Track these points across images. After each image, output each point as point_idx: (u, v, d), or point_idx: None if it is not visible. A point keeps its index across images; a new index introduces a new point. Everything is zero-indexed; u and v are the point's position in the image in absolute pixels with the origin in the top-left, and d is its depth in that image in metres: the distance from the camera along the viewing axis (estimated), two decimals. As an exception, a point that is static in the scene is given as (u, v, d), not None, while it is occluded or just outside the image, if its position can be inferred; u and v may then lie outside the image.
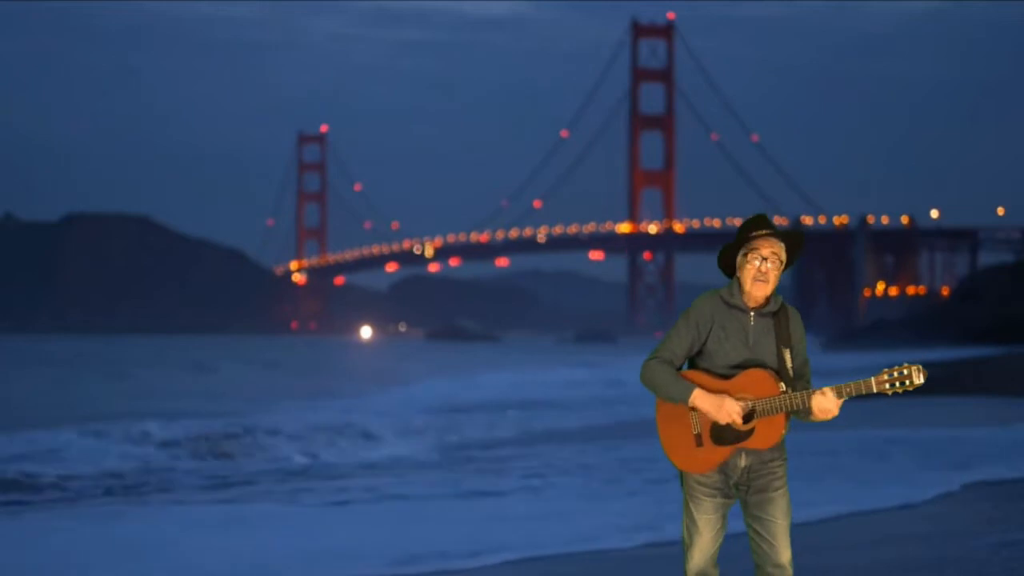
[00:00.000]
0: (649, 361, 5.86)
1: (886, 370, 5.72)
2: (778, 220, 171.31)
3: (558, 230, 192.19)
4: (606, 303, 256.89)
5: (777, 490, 5.86)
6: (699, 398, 5.77)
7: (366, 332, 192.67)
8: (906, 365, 5.69)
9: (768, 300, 5.86)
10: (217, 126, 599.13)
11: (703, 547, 5.89)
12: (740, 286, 5.87)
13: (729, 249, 5.91)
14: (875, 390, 5.74)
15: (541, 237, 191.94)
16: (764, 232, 5.84)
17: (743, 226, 5.88)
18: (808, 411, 5.78)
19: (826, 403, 5.73)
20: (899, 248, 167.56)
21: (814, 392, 5.75)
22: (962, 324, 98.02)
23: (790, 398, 5.76)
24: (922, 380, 5.68)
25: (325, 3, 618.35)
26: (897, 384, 5.68)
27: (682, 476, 5.95)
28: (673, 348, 5.85)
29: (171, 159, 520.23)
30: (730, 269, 5.92)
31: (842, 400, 5.75)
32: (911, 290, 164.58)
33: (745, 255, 5.85)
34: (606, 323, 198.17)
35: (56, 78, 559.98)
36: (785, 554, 5.86)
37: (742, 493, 5.88)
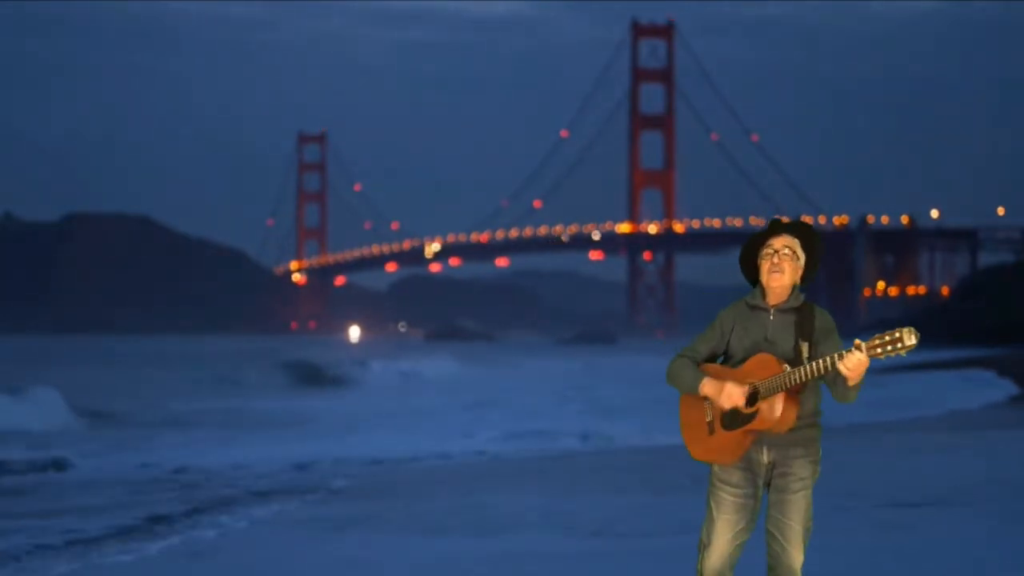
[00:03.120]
0: (673, 359, 5.97)
1: (877, 335, 5.62)
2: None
3: (558, 230, 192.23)
4: (606, 303, 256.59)
5: (796, 492, 5.84)
6: (706, 385, 5.85)
7: (355, 332, 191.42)
8: (898, 329, 5.57)
9: (789, 296, 5.91)
10: (217, 126, 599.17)
11: (720, 548, 5.86)
12: (761, 287, 5.95)
13: (748, 254, 5.99)
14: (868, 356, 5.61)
15: (562, 235, 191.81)
16: (775, 229, 5.94)
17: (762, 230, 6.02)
18: (839, 381, 5.71)
19: (855, 357, 5.60)
20: (899, 248, 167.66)
21: (842, 354, 5.62)
22: (963, 324, 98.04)
23: (790, 374, 5.73)
24: (914, 341, 5.54)
25: (325, 3, 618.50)
26: (889, 348, 5.56)
27: (709, 474, 5.95)
28: (697, 347, 5.96)
29: (171, 159, 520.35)
30: (753, 276, 6.01)
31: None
32: (911, 290, 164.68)
33: (762, 256, 5.94)
34: (606, 323, 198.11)
35: (56, 78, 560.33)
36: (797, 558, 5.84)
37: (768, 491, 5.89)
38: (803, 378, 5.73)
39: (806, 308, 5.90)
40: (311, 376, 49.64)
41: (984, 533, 10.68)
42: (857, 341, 5.66)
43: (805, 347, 5.84)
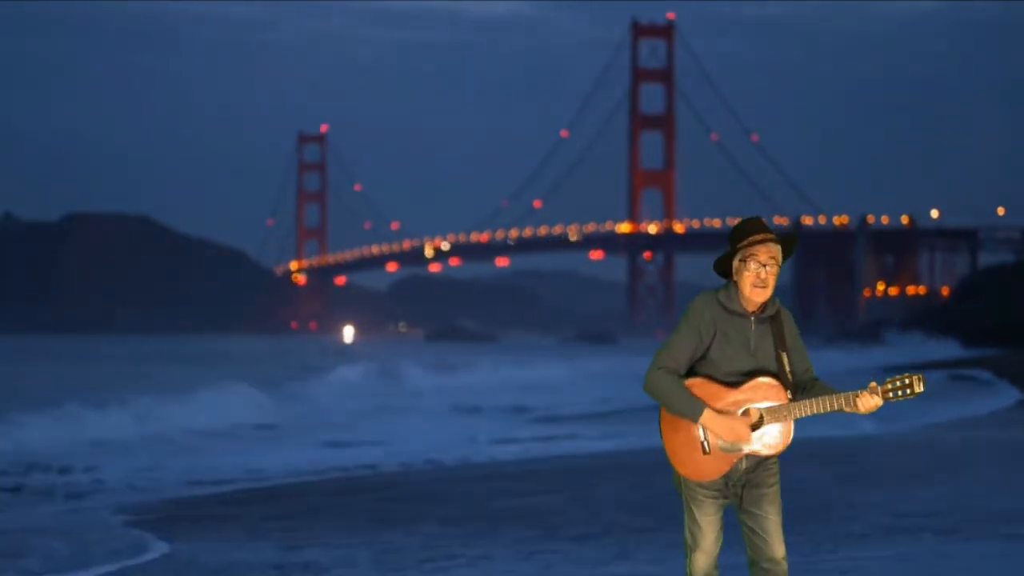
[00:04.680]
0: (654, 371, 5.84)
1: (889, 379, 5.83)
2: (778, 220, 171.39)
3: (558, 230, 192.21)
4: (606, 303, 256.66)
5: (771, 486, 5.91)
6: (709, 420, 5.79)
7: (349, 332, 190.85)
8: (908, 375, 5.80)
9: (766, 305, 5.87)
10: (217, 126, 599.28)
11: (707, 549, 5.93)
12: (738, 290, 5.85)
13: (727, 254, 5.91)
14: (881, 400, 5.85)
15: (573, 234, 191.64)
16: (762, 237, 5.84)
17: (740, 230, 5.87)
18: (843, 408, 5.84)
19: (873, 402, 5.82)
20: (899, 248, 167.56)
21: (860, 393, 5.81)
22: (963, 324, 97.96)
23: (799, 407, 5.82)
24: (922, 389, 5.80)
25: (325, 3, 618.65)
26: (899, 393, 5.80)
27: (681, 480, 5.95)
28: (676, 356, 5.84)
29: (171, 159, 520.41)
30: (726, 272, 5.91)
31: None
32: (911, 290, 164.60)
33: (743, 260, 5.84)
34: (606, 323, 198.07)
35: (56, 78, 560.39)
36: (779, 549, 5.91)
37: (737, 489, 5.91)
38: (811, 412, 5.83)
39: (778, 315, 5.90)
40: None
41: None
42: (873, 384, 5.82)
43: (785, 358, 5.87)
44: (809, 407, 5.80)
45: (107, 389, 33.17)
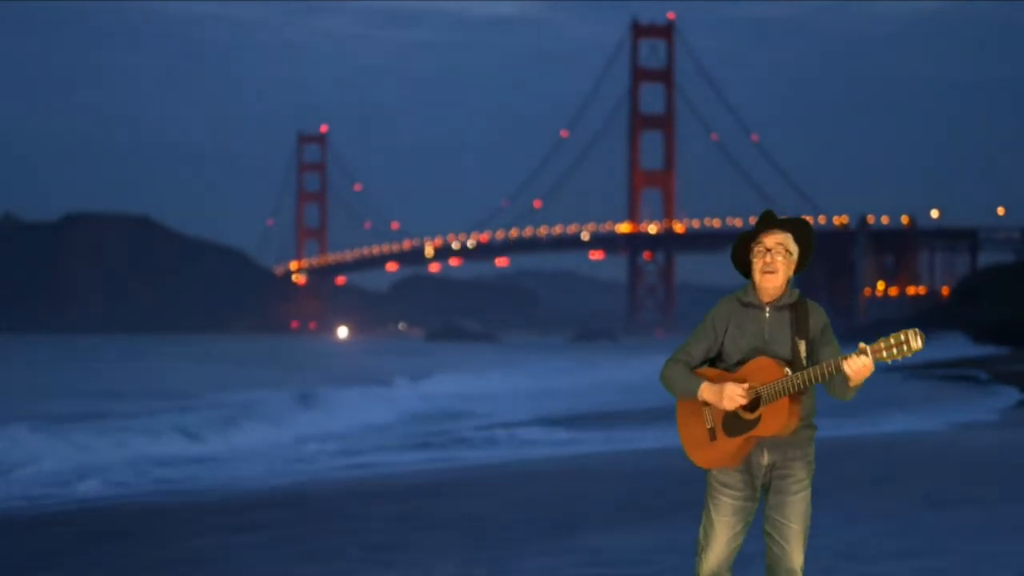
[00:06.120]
0: (667, 362, 5.94)
1: (883, 338, 5.64)
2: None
3: (558, 230, 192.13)
4: (606, 303, 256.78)
5: (795, 493, 5.86)
6: (705, 390, 5.81)
7: (343, 331, 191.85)
8: (903, 332, 5.59)
9: (783, 293, 5.89)
10: (217, 126, 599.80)
11: (717, 550, 5.89)
12: (753, 284, 5.92)
13: (740, 250, 5.95)
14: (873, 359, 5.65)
15: (585, 234, 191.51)
16: (765, 225, 5.90)
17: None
18: (839, 381, 5.71)
19: (861, 362, 5.63)
20: (899, 248, 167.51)
21: (847, 356, 5.66)
22: (962, 324, 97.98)
23: (793, 379, 5.73)
24: (920, 344, 5.56)
25: (325, 3, 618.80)
26: (895, 351, 5.59)
27: (707, 476, 5.95)
28: (690, 349, 5.92)
29: (171, 159, 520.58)
30: (746, 270, 5.98)
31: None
32: (911, 290, 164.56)
33: (752, 251, 5.91)
34: (606, 323, 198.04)
35: (56, 78, 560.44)
36: (797, 559, 5.86)
37: (764, 492, 5.90)
38: (807, 383, 5.73)
39: (800, 305, 5.88)
40: None
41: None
42: (862, 345, 5.66)
43: (803, 345, 5.83)
44: (800, 379, 5.72)
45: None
